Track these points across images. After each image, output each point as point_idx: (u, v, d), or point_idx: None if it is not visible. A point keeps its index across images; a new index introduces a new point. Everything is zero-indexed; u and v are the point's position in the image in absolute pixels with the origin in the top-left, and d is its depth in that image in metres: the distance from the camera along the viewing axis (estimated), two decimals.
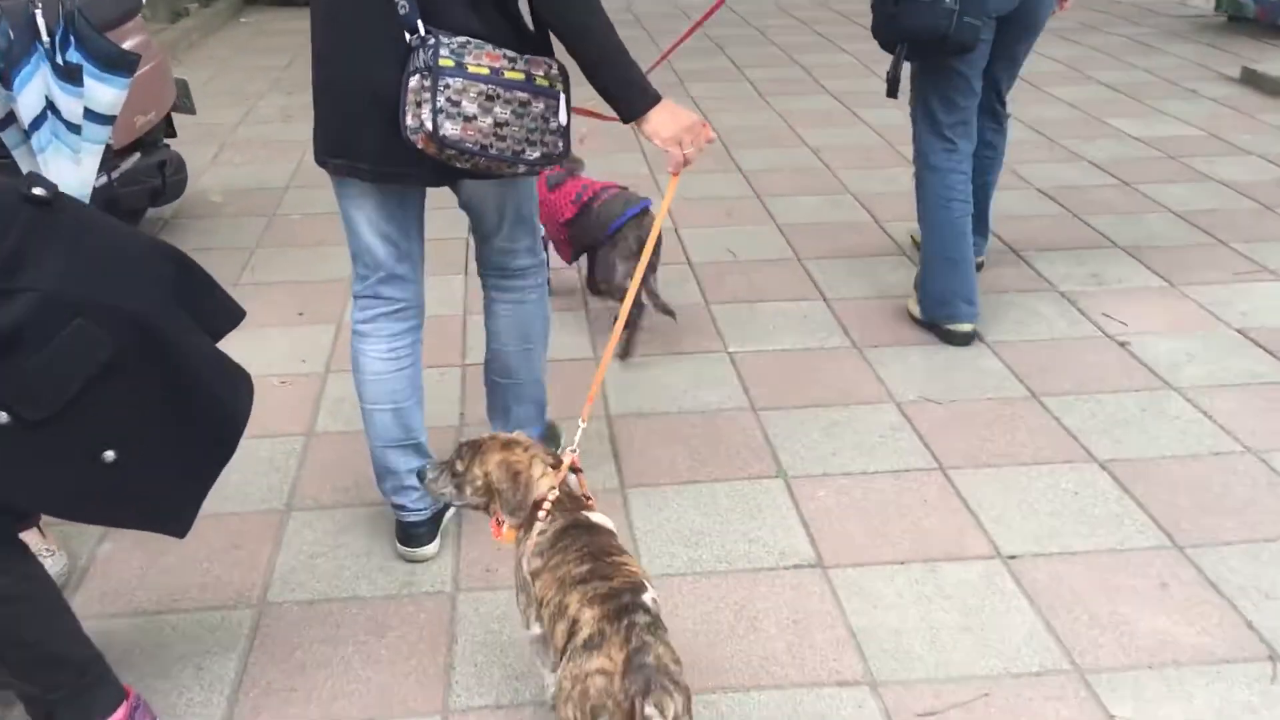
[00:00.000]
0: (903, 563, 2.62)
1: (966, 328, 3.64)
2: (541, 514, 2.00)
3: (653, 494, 2.88)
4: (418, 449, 2.63)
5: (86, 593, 2.55)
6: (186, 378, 1.92)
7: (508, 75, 2.18)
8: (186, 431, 1.94)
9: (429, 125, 2.13)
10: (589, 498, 2.10)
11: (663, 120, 2.26)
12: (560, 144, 2.29)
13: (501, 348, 2.71)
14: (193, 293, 2.01)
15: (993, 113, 3.80)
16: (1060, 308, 3.92)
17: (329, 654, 2.37)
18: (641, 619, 1.77)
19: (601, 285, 3.56)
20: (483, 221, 2.57)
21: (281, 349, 3.67)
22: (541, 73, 2.24)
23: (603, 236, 3.47)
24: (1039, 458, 3.03)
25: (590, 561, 1.90)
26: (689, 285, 4.13)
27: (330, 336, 3.75)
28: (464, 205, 2.55)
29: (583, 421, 2.21)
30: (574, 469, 2.11)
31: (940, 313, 3.67)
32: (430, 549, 2.66)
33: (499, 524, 2.09)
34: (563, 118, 2.28)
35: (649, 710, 1.67)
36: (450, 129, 2.13)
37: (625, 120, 2.29)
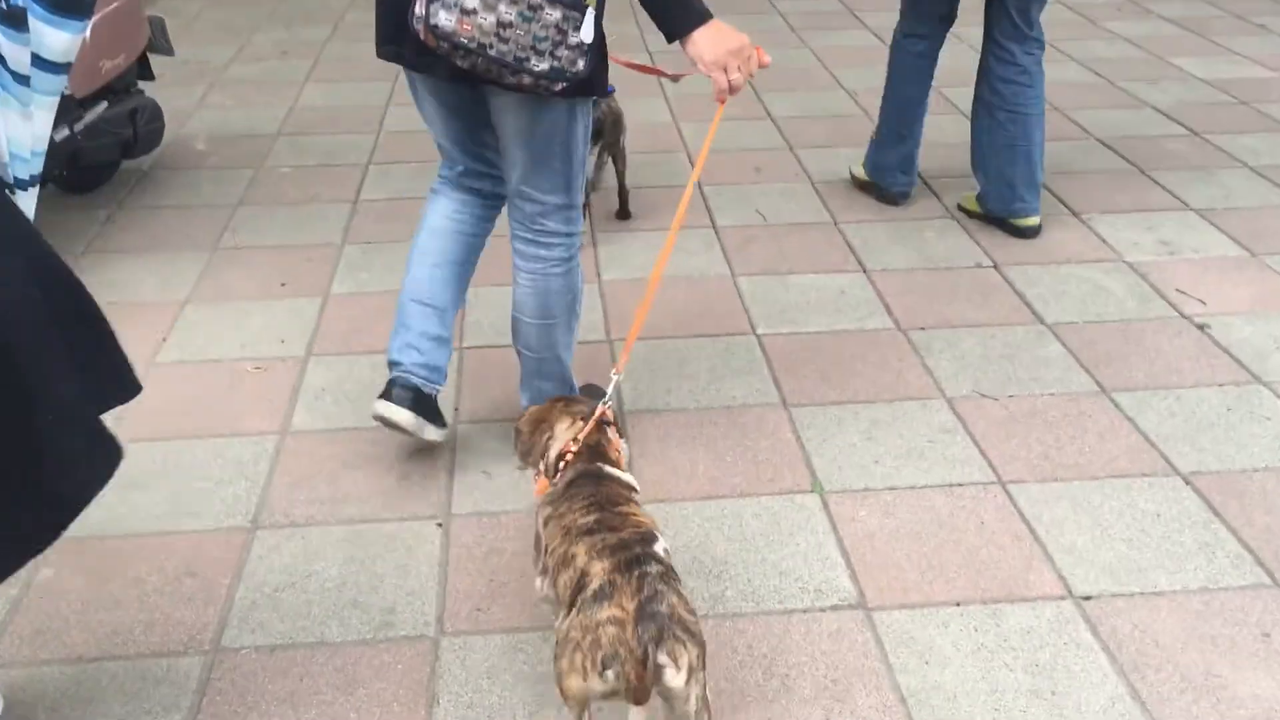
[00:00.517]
0: (958, 604, 2.25)
1: (905, 192, 4.03)
2: (562, 465, 1.99)
3: (670, 512, 2.51)
4: (441, 319, 2.58)
5: (16, 631, 2.22)
6: (26, 418, 1.55)
7: None
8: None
9: (421, 12, 2.03)
10: (619, 452, 2.06)
11: (709, 41, 2.12)
12: (580, 63, 2.10)
13: (521, 317, 2.56)
14: (78, 339, 1.63)
15: (1014, 26, 3.61)
16: (1128, 282, 3.50)
17: (288, 717, 2.03)
18: (653, 569, 1.72)
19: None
20: (506, 149, 2.37)
21: (258, 326, 3.30)
22: None
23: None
24: (1112, 469, 2.64)
25: (597, 511, 1.86)
26: (713, 252, 3.72)
27: (315, 311, 3.37)
28: (494, 123, 2.35)
29: (617, 373, 2.20)
30: (605, 422, 2.06)
31: (882, 179, 4.02)
32: (404, 416, 2.54)
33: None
34: (585, 34, 2.09)
35: (662, 659, 1.63)
36: (445, 20, 2.03)
37: (669, 39, 2.16)
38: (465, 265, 2.61)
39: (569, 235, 2.46)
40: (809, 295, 3.45)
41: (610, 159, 3.89)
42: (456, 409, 2.91)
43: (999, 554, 2.38)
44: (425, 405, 2.58)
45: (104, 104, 3.81)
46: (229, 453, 2.72)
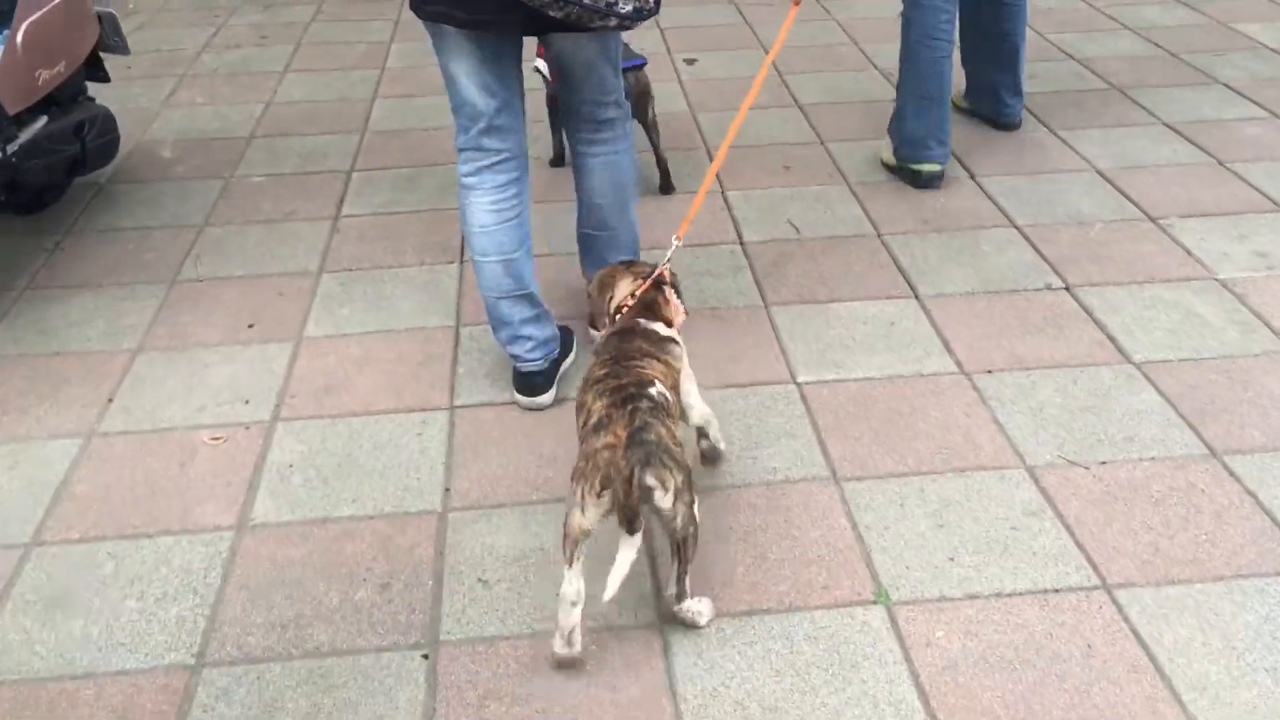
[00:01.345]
0: None
1: (935, 167, 3.69)
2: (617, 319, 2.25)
3: (702, 641, 2.06)
4: (530, 299, 2.66)
5: None
6: None
7: None
8: None
9: None
10: (675, 309, 2.29)
11: None
12: (652, 0, 2.31)
13: (599, 201, 2.72)
14: None
15: None
16: (1224, 306, 3.02)
17: None
18: (645, 405, 1.94)
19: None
20: (572, 75, 2.58)
21: (219, 382, 2.85)
22: None
23: None
24: (1240, 566, 2.19)
25: (610, 365, 2.07)
26: (742, 276, 3.25)
27: (285, 360, 2.92)
28: (554, 58, 2.59)
29: (677, 240, 2.46)
30: (663, 281, 2.30)
31: (911, 152, 3.70)
32: (546, 398, 2.71)
33: None
34: None
35: (649, 480, 1.85)
36: None
37: None
38: (525, 241, 2.65)
39: (624, 119, 2.70)
40: (855, 330, 2.98)
41: (644, 130, 3.59)
42: (447, 489, 2.46)
43: (1115, 693, 1.93)
44: (555, 370, 2.75)
45: (44, 119, 3.33)
46: (176, 557, 2.28)
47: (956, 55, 3.68)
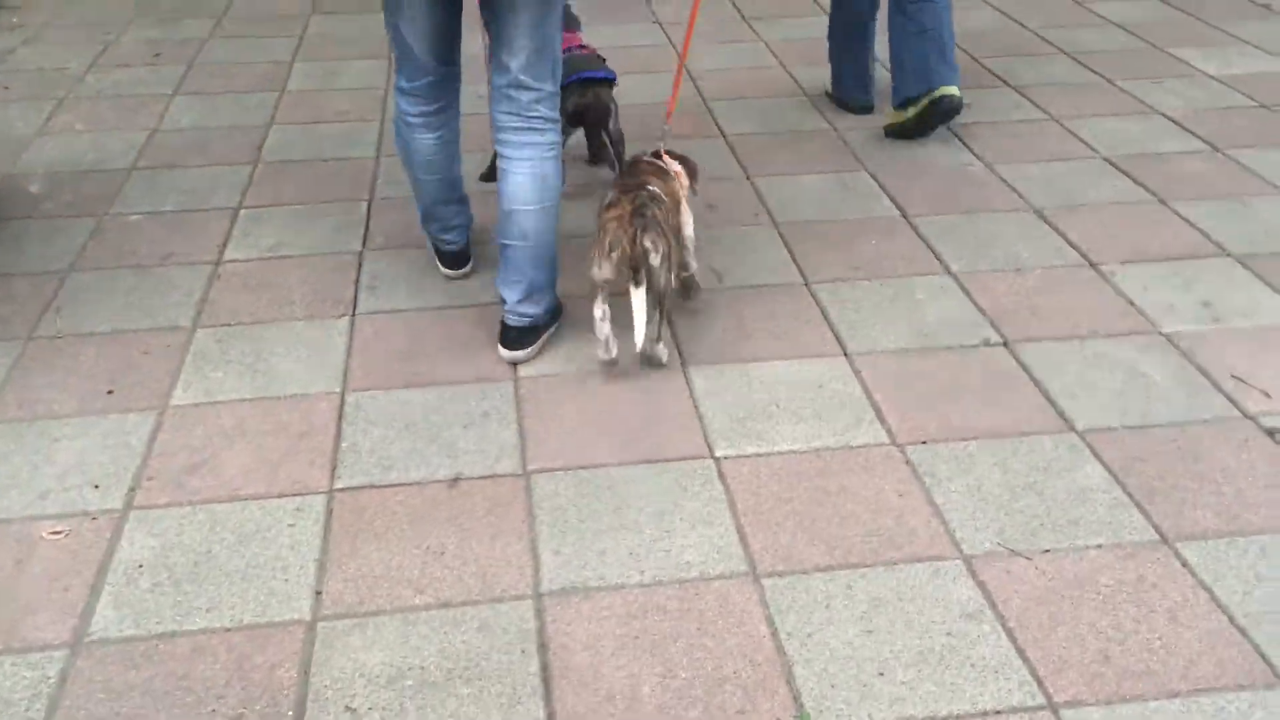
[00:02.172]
0: None
1: (866, 102, 4.34)
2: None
3: None
4: (461, 199, 3.14)
5: None
6: None
7: None
8: None
9: None
10: (675, 168, 2.91)
11: None
12: None
13: (520, 208, 2.76)
14: None
15: None
16: (1170, 364, 2.83)
17: None
18: (645, 195, 2.63)
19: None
20: (509, 43, 2.64)
21: (68, 460, 2.53)
22: None
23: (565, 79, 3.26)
24: (1198, 680, 1.97)
25: (621, 180, 2.79)
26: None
27: (146, 434, 2.61)
28: (494, 20, 2.64)
29: (668, 124, 3.09)
30: (661, 154, 2.93)
31: (848, 97, 4.36)
32: (466, 269, 3.24)
33: None
34: None
35: (647, 243, 2.56)
36: None
37: None
38: (458, 158, 3.06)
39: (555, 121, 2.76)
40: (779, 394, 2.74)
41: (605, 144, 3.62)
42: (319, 592, 2.18)
43: None
44: (468, 250, 3.25)
45: None
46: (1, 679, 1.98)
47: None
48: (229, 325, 3.04)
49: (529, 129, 2.71)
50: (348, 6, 5.67)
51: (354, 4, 5.65)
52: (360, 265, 3.33)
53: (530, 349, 2.84)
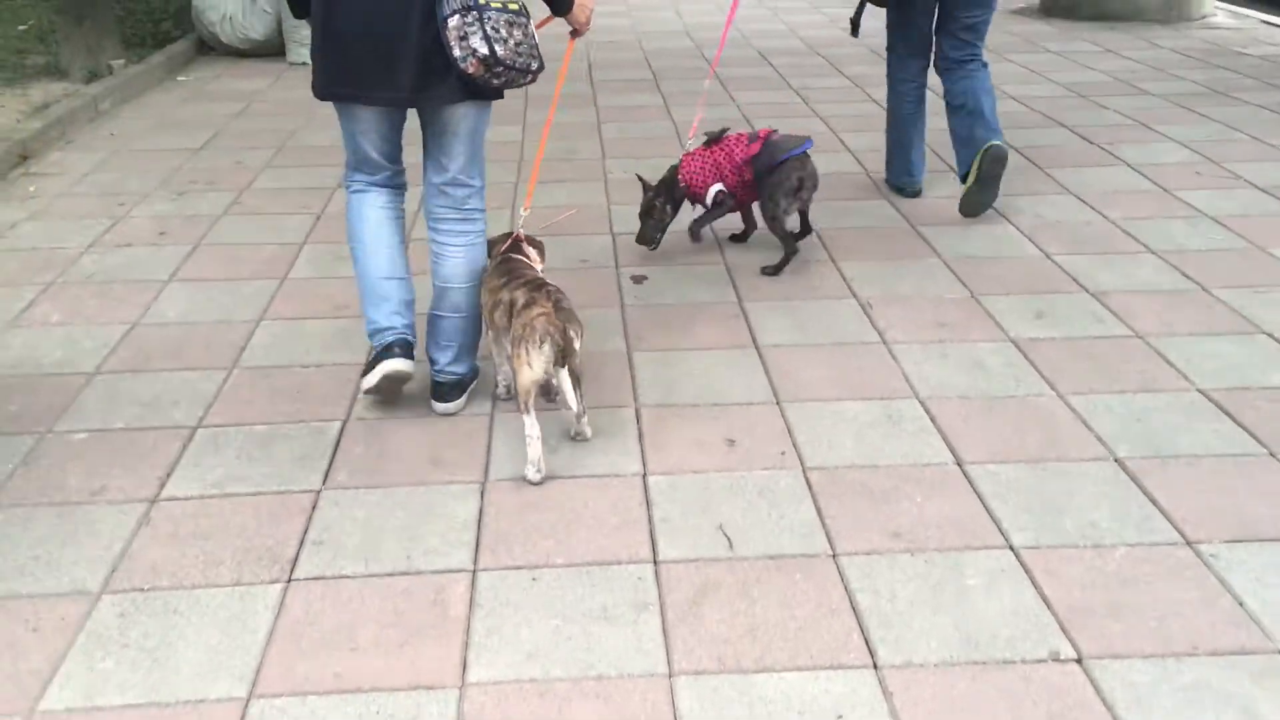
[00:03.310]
0: None
1: (917, 187, 5.11)
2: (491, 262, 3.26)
3: None
4: (405, 282, 3.28)
5: None
6: None
7: (511, 6, 2.91)
8: None
9: (483, 50, 2.85)
10: (532, 256, 3.29)
11: (580, 9, 3.21)
12: (541, 58, 3.02)
13: (453, 286, 3.23)
14: None
15: (958, 61, 4.83)
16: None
17: None
18: (553, 288, 2.98)
19: (771, 223, 4.27)
20: (448, 150, 3.14)
21: None
22: (522, 5, 2.96)
23: (774, 163, 4.16)
24: None
25: (505, 276, 3.09)
26: (646, 623, 2.45)
27: None
28: (437, 134, 3.13)
29: (525, 209, 3.38)
30: (520, 239, 3.30)
31: (897, 181, 5.14)
32: (408, 366, 3.24)
33: None
34: (535, 35, 3.00)
35: (572, 333, 2.88)
36: (500, 50, 2.86)
37: (557, 13, 3.19)
38: (401, 240, 3.28)
39: (483, 212, 3.25)
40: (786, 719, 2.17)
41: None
42: None
43: None
44: (410, 347, 3.27)
45: None
46: None
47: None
48: (141, 591, 2.57)
49: (464, 219, 3.23)
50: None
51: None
52: (313, 510, 2.86)
53: (459, 401, 3.31)
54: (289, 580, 2.60)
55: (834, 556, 2.66)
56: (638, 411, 3.32)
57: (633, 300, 4.09)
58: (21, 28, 9.13)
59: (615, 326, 3.88)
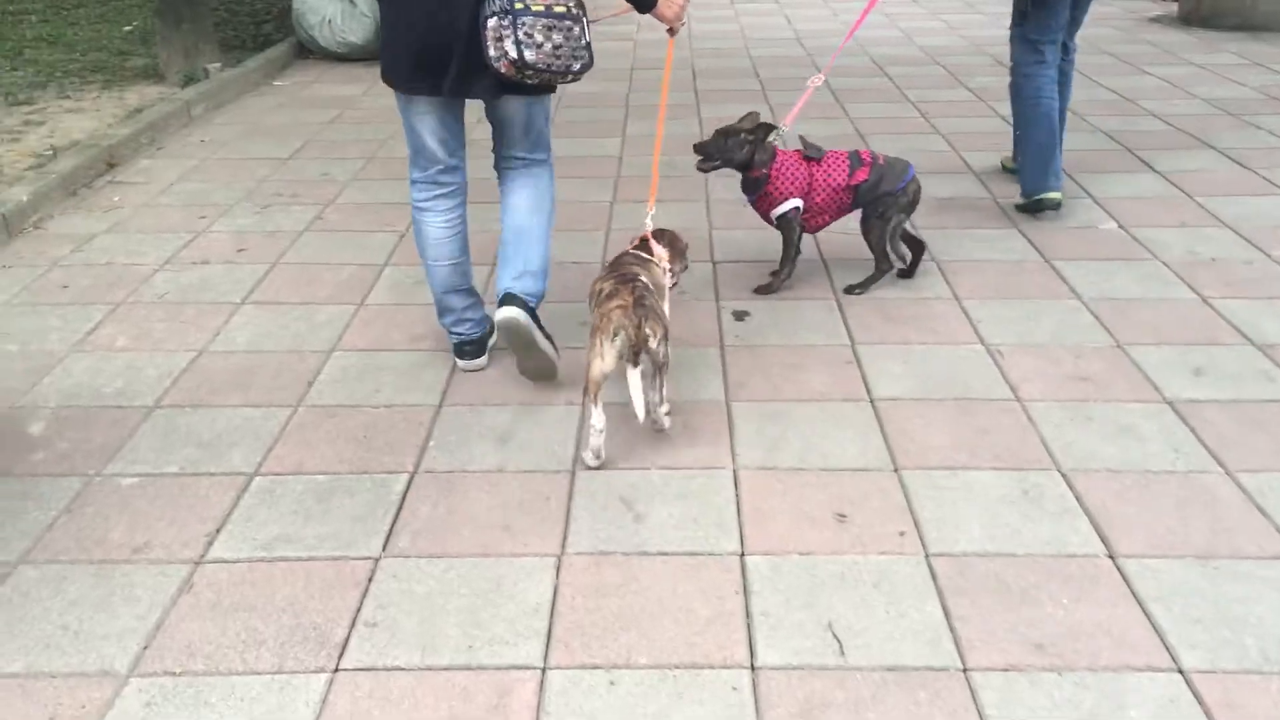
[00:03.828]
0: None
1: (1056, 195, 4.68)
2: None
3: None
4: (469, 291, 3.48)
5: None
6: None
7: (556, 9, 2.96)
8: None
9: (513, 54, 2.92)
10: (658, 251, 3.28)
11: (665, 4, 3.22)
12: (589, 57, 3.07)
13: (515, 209, 3.35)
14: None
15: (1064, 47, 4.75)
16: None
17: None
18: (640, 283, 2.93)
19: (874, 238, 3.97)
20: (511, 134, 3.31)
21: None
22: (574, 4, 3.01)
23: (894, 189, 3.90)
24: None
25: (610, 269, 3.15)
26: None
27: None
28: (497, 121, 3.30)
29: (650, 209, 3.41)
30: (647, 238, 3.30)
31: (1036, 187, 4.68)
32: (481, 361, 3.51)
33: None
34: (589, 36, 3.05)
35: (647, 331, 2.83)
36: (530, 55, 2.93)
37: (642, 11, 3.22)
38: (466, 250, 3.45)
39: (549, 156, 3.41)
40: None
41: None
42: None
43: None
44: (484, 342, 3.55)
45: None
46: None
47: None
48: (173, 675, 2.29)
49: (530, 166, 3.37)
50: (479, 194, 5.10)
51: (485, 193, 5.08)
52: (370, 582, 2.56)
53: (519, 313, 3.22)
54: (335, 670, 2.30)
55: (965, 671, 2.26)
56: (736, 474, 2.95)
57: (734, 340, 3.72)
58: (127, 28, 9.14)
59: (713, 370, 3.51)
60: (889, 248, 4.00)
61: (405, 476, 2.97)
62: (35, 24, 9.21)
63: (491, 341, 3.55)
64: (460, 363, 3.49)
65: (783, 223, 3.96)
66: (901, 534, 2.69)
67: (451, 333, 3.48)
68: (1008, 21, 4.82)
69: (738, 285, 4.14)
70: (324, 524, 2.77)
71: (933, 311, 3.90)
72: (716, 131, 3.91)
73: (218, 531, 2.75)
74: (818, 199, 3.91)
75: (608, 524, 2.74)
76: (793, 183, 3.88)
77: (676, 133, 6.03)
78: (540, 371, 3.33)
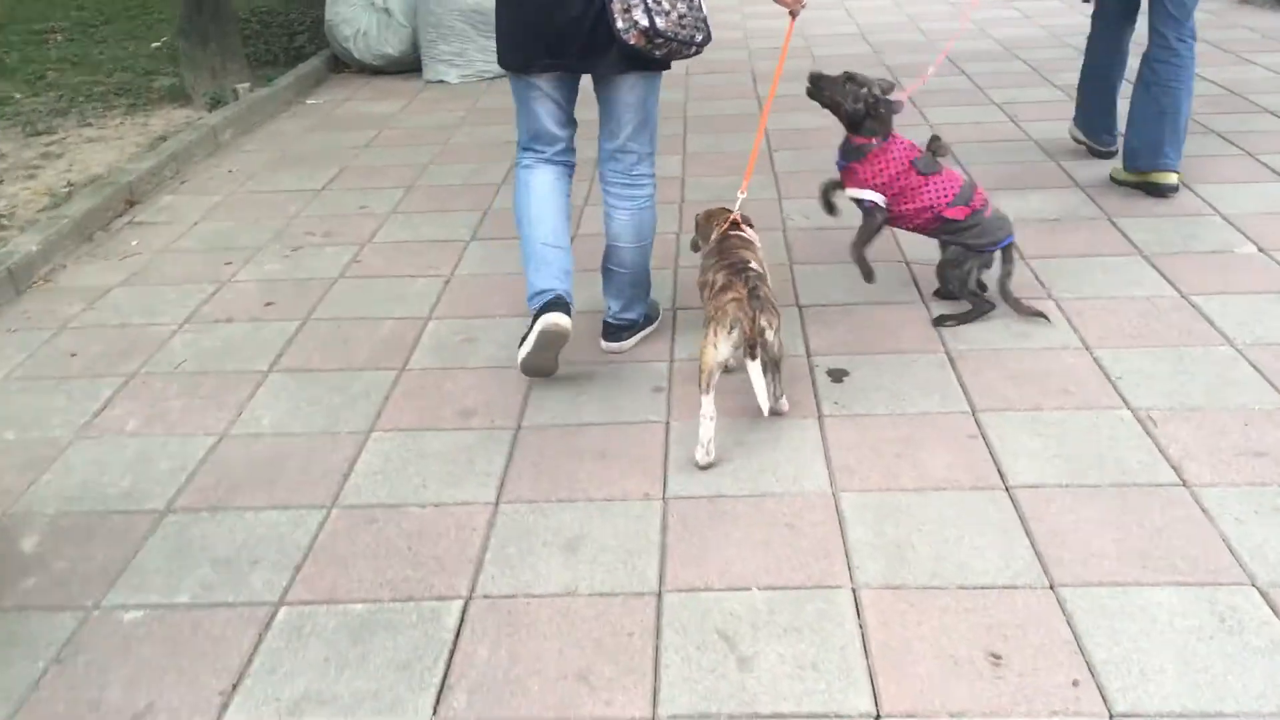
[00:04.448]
0: None
1: (1172, 177, 4.49)
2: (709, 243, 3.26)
3: None
4: (569, 255, 3.33)
5: None
6: None
7: None
8: None
9: (644, 22, 2.93)
10: (750, 232, 3.25)
11: None
12: (708, 30, 3.08)
13: (621, 245, 3.42)
14: None
15: (1171, 17, 4.37)
16: None
17: None
18: (753, 273, 2.89)
19: (954, 284, 3.62)
20: (622, 120, 3.27)
21: None
22: None
23: (984, 246, 3.52)
24: None
25: (717, 255, 3.10)
26: None
27: None
28: (607, 104, 3.27)
29: (742, 193, 3.34)
30: (737, 221, 3.25)
31: (1148, 162, 4.53)
32: (568, 322, 3.23)
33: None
34: (705, 9, 3.06)
35: (763, 323, 2.80)
36: (660, 22, 2.94)
37: None
38: (566, 211, 3.38)
39: (652, 177, 3.40)
40: None
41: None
42: None
43: None
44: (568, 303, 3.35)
45: None
46: None
47: None
48: None
49: (632, 184, 3.36)
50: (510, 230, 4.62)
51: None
52: None
53: (629, 341, 3.55)
54: None
55: None
56: (856, 596, 2.43)
57: (832, 407, 3.20)
58: (155, 45, 8.75)
59: (813, 449, 2.99)
60: (978, 294, 3.62)
61: (458, 604, 2.48)
62: (61, 44, 8.86)
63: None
64: (546, 319, 3.23)
65: (862, 208, 3.59)
66: (1075, 684, 2.16)
67: (545, 291, 3.27)
68: (1086, 7, 4.85)
69: (829, 334, 3.61)
70: (361, 675, 2.29)
71: (1062, 365, 3.35)
72: (844, 72, 3.54)
73: (234, 689, 2.28)
74: (906, 207, 3.51)
75: (706, 672, 2.24)
76: (883, 175, 3.48)
77: (741, 148, 5.50)
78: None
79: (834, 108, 3.54)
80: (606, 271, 3.49)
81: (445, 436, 3.16)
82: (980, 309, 3.61)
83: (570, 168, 3.42)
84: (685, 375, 3.40)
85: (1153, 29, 4.43)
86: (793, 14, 3.28)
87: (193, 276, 4.37)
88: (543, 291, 3.24)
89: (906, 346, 3.52)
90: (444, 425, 3.22)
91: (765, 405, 2.86)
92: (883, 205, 3.51)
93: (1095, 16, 4.79)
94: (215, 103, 6.64)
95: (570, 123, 3.36)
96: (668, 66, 3.20)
